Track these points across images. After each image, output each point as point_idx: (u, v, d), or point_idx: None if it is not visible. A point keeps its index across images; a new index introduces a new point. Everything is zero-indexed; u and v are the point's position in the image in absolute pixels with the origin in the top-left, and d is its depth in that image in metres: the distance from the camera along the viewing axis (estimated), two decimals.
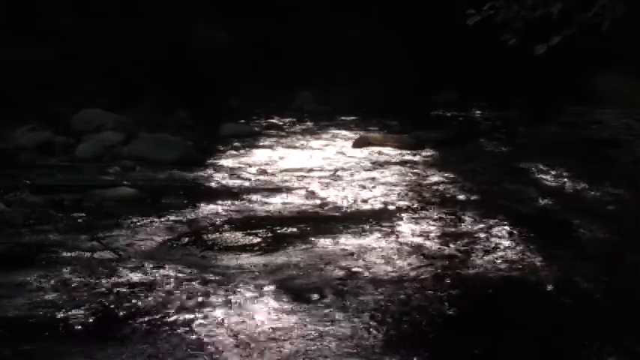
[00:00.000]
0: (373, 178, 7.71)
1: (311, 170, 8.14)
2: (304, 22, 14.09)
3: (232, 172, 7.97)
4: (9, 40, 11.06)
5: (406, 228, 5.93)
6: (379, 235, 5.71)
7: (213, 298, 4.43)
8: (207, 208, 6.46)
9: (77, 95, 10.87)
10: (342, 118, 11.72)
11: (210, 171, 8.05)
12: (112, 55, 11.81)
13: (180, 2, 12.98)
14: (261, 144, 9.69)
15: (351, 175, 7.89)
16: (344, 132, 10.60)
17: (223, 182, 7.54)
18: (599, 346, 3.97)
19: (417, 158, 8.83)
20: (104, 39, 11.99)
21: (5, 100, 10.08)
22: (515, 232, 5.84)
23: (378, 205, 6.64)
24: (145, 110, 10.71)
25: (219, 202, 6.70)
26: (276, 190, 7.19)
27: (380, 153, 9.14)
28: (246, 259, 5.19)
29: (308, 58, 13.38)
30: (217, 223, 6.07)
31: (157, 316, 4.19)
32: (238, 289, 4.57)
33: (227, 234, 5.80)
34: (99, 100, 10.63)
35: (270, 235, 5.77)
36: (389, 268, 5.01)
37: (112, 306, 4.33)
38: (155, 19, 12.47)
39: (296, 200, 6.81)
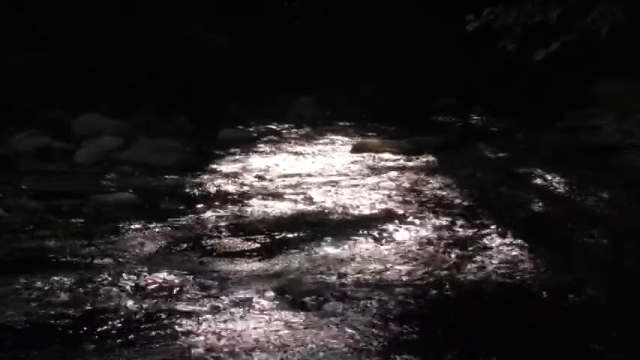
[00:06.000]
0: (371, 184, 7.68)
1: (309, 176, 8.12)
2: (304, 26, 14.10)
3: (231, 178, 7.96)
4: (8, 42, 11.06)
5: (405, 234, 5.93)
6: (378, 241, 5.71)
7: (211, 304, 4.43)
8: (205, 214, 6.47)
9: (76, 98, 10.87)
10: (341, 123, 11.69)
11: (208, 176, 8.03)
12: (111, 58, 11.81)
13: (180, 7, 12.99)
14: (259, 150, 9.68)
15: (350, 181, 7.86)
16: (343, 137, 10.57)
17: (222, 188, 7.53)
18: (601, 345, 4.00)
19: (415, 164, 8.80)
20: (104, 42, 11.99)
21: (3, 103, 10.09)
22: (514, 237, 5.82)
23: (376, 211, 6.63)
24: (144, 114, 10.71)
25: (218, 207, 6.71)
26: (275, 195, 7.18)
27: (378, 159, 9.11)
28: (245, 265, 5.19)
29: (308, 62, 13.40)
30: (216, 228, 6.07)
31: (155, 323, 4.18)
32: (237, 295, 4.56)
33: (225, 239, 5.80)
34: (97, 103, 10.63)
35: (268, 240, 5.77)
36: (389, 275, 5.00)
37: (110, 312, 4.32)
38: (155, 22, 12.48)
39: (294, 206, 6.81)
